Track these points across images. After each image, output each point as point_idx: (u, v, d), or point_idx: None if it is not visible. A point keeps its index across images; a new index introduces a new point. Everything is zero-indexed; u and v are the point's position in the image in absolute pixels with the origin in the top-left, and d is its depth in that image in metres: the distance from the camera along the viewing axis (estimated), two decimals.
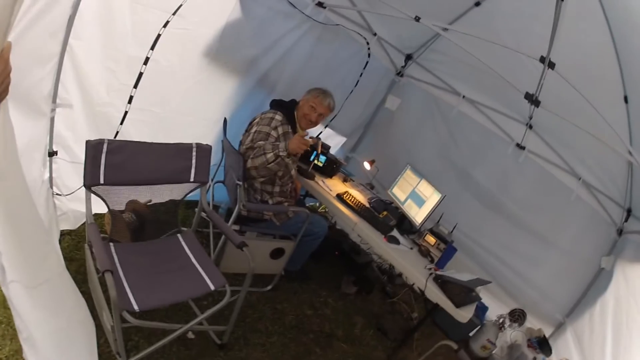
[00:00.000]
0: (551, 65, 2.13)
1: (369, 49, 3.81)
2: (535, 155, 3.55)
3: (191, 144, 2.39)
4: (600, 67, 2.54)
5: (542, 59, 2.11)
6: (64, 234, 2.75)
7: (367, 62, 3.94)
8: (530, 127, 3.47)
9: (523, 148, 3.57)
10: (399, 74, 4.27)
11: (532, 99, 2.42)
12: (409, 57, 4.12)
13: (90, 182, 2.09)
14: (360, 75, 3.99)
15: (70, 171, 2.66)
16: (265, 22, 3.00)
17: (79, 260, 2.62)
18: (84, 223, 2.82)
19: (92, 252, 2.04)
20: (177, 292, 2.09)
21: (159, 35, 2.52)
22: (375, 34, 3.76)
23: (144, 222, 2.62)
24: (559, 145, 3.41)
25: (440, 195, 3.07)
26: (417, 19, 2.39)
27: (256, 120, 2.89)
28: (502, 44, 2.22)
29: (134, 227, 2.60)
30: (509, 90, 2.43)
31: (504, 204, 3.76)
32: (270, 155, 2.65)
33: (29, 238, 1.75)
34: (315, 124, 3.06)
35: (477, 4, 3.09)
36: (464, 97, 3.78)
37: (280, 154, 2.63)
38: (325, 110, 3.04)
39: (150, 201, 2.53)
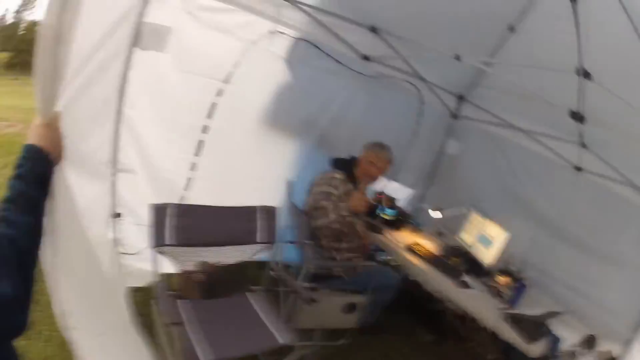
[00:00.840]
0: (587, 76, 2.05)
1: (421, 95, 3.85)
2: (594, 174, 3.37)
3: (255, 206, 2.49)
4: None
5: (578, 71, 2.04)
6: (133, 290, 2.90)
7: (420, 109, 3.96)
8: (584, 145, 3.32)
9: (580, 169, 3.41)
10: (454, 116, 4.26)
11: (577, 117, 2.33)
12: (460, 98, 4.11)
13: (155, 243, 2.24)
14: (416, 124, 4.01)
15: (135, 232, 2.81)
16: (314, 81, 3.13)
17: (147, 315, 2.74)
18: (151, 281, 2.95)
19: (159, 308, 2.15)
20: (244, 345, 2.13)
21: (213, 103, 2.69)
22: (424, 79, 3.80)
23: (214, 281, 2.72)
24: (615, 159, 3.22)
25: (506, 233, 2.98)
26: (458, 57, 2.41)
27: (317, 181, 2.96)
28: (542, 64, 2.17)
29: (203, 286, 2.71)
30: (557, 112, 2.36)
31: (569, 231, 3.55)
32: (332, 216, 2.70)
33: (91, 290, 1.85)
34: (376, 179, 3.09)
35: (511, 29, 3.04)
36: (518, 128, 3.70)
37: (342, 213, 2.67)
38: (384, 164, 3.07)
39: (219, 262, 2.64)
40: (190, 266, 2.52)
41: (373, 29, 3.13)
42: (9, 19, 54.17)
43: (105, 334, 1.88)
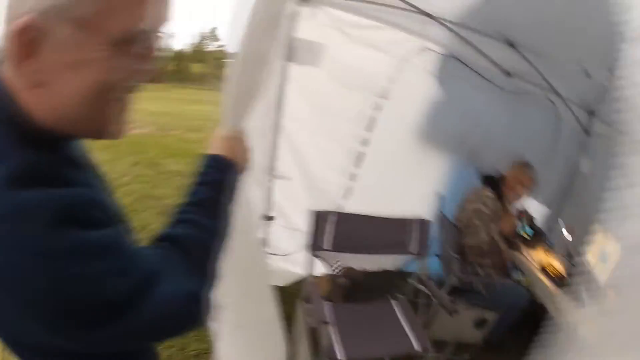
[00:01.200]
0: None
1: (557, 111, 3.75)
2: None
3: (411, 218, 2.59)
4: None
5: None
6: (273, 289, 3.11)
7: (557, 126, 3.86)
8: None
9: None
10: (586, 132, 4.09)
11: None
12: (591, 114, 3.95)
13: (314, 247, 2.39)
14: (552, 140, 3.92)
15: (284, 235, 3.00)
16: (463, 98, 3.18)
17: (285, 313, 2.92)
18: (293, 282, 3.14)
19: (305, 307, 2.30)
20: (380, 347, 2.24)
21: (371, 117, 2.83)
22: (559, 94, 3.70)
23: (358, 287, 2.86)
24: None
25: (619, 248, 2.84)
26: (587, 74, 2.34)
27: (469, 197, 3.02)
28: None
29: (347, 290, 2.85)
30: None
31: None
32: (483, 236, 2.78)
33: (248, 284, 2.02)
34: (521, 197, 3.11)
35: None
36: None
37: (493, 234, 2.71)
38: (529, 183, 3.08)
39: (364, 269, 2.77)
40: (337, 270, 2.66)
41: (511, 44, 3.13)
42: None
43: (244, 327, 2.02)
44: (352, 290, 2.89)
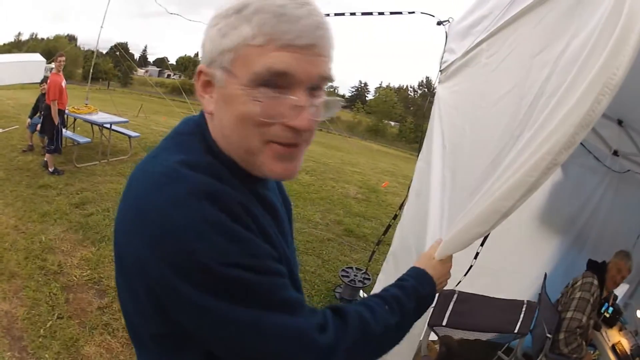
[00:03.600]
0: None
1: None
2: None
3: (523, 300, 2.69)
4: None
5: None
6: None
7: None
8: None
9: None
10: None
11: None
12: None
13: (433, 322, 2.51)
14: None
15: None
16: (578, 179, 3.24)
17: None
18: None
19: None
20: None
21: None
22: None
23: (452, 355, 2.97)
24: None
25: None
26: None
27: (579, 284, 3.11)
28: None
29: (443, 357, 2.96)
30: None
31: None
32: (584, 321, 2.93)
33: None
34: (618, 285, 3.24)
35: None
36: None
37: (591, 321, 2.93)
38: (627, 273, 3.20)
39: (461, 338, 2.87)
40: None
41: (619, 122, 3.16)
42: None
43: None
44: (448, 356, 3.00)
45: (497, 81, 1.77)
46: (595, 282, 3.04)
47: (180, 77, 63.06)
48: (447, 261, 1.20)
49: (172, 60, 75.45)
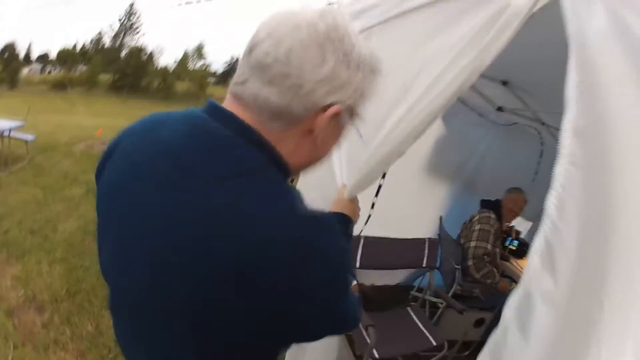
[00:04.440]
0: None
1: (541, 138, 4.27)
2: None
3: (424, 238, 3.06)
4: None
5: None
6: None
7: (541, 152, 4.37)
8: None
9: None
10: None
11: None
12: None
13: None
14: (537, 164, 4.42)
15: None
16: (462, 132, 3.67)
17: None
18: None
19: None
20: (404, 346, 2.72)
21: None
22: (544, 124, 4.21)
23: (368, 300, 3.28)
24: None
25: None
26: None
27: (476, 218, 3.51)
28: None
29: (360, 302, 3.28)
30: None
31: None
32: (489, 249, 3.30)
33: None
34: (516, 218, 3.67)
35: None
36: None
37: (496, 249, 3.26)
38: (523, 204, 3.64)
39: (373, 284, 3.20)
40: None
41: (504, 83, 3.63)
42: (107, 42, 59.51)
43: None
44: (365, 301, 3.31)
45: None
46: (492, 216, 3.45)
47: (60, 71, 58.56)
48: (355, 200, 1.48)
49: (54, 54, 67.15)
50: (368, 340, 2.49)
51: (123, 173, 0.80)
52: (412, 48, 1.84)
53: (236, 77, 0.77)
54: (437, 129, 3.53)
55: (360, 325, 2.76)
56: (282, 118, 0.74)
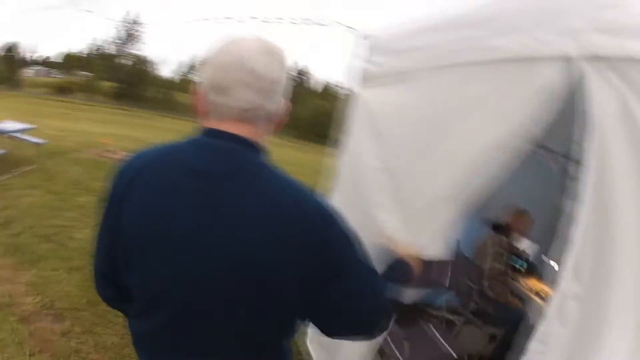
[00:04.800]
0: None
1: (547, 163, 4.40)
2: None
3: (433, 258, 3.16)
4: None
5: None
6: None
7: (547, 176, 4.46)
8: None
9: None
10: (569, 175, 4.67)
11: None
12: (578, 163, 4.51)
13: None
14: (543, 189, 4.52)
15: None
16: None
17: None
18: None
19: None
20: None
21: None
22: (550, 149, 4.33)
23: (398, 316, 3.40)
24: None
25: None
26: None
27: (490, 241, 3.67)
28: None
29: None
30: None
31: None
32: (502, 269, 3.52)
33: None
34: (522, 238, 3.90)
35: None
36: None
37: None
38: (528, 225, 3.88)
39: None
40: None
41: None
42: (110, 50, 59.64)
43: None
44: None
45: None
46: (504, 238, 3.64)
47: (62, 75, 59.90)
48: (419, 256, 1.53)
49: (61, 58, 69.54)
50: (397, 353, 2.66)
51: (162, 197, 0.94)
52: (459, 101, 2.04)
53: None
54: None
55: (390, 339, 2.88)
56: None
